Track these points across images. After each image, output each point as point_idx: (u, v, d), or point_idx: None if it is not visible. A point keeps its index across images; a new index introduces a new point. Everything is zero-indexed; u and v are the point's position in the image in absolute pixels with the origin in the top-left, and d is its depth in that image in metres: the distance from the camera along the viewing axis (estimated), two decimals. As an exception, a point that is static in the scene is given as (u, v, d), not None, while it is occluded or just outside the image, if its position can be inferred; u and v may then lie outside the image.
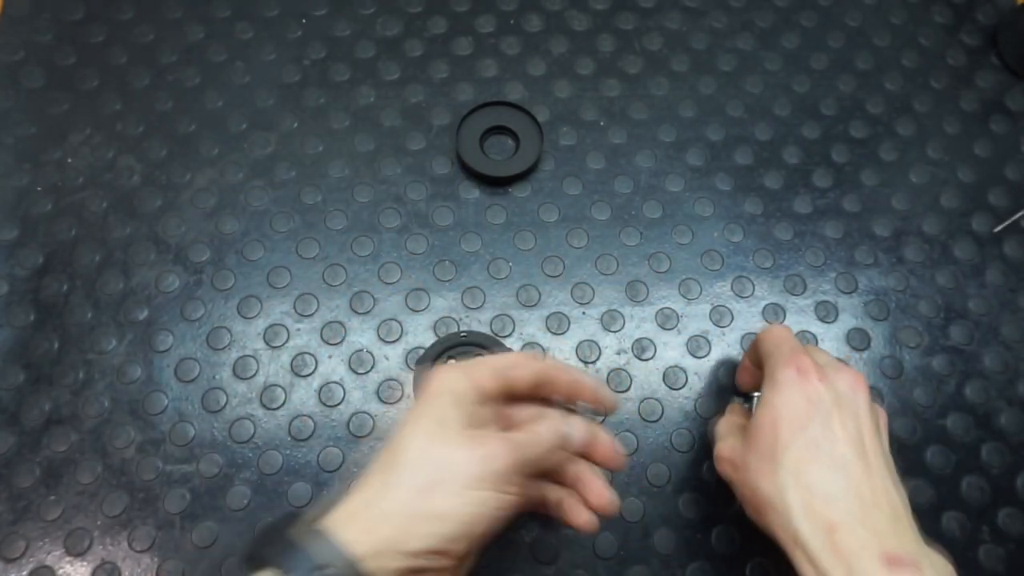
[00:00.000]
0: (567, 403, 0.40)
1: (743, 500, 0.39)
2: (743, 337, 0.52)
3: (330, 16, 0.61)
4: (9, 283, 0.51)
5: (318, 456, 0.48)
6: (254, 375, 0.50)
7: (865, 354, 0.52)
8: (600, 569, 0.46)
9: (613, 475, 0.48)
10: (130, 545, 0.45)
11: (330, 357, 0.50)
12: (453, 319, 0.52)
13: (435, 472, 0.33)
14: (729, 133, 0.58)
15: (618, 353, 0.51)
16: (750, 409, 0.44)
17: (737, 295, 0.53)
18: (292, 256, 0.53)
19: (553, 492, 0.38)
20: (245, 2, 0.61)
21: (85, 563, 0.45)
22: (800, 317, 0.53)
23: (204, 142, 0.56)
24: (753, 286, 0.54)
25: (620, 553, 0.47)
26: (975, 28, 0.63)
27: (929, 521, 0.48)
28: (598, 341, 0.52)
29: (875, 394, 0.51)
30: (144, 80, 0.58)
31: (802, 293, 0.54)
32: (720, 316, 0.53)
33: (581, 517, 0.38)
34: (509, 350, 0.51)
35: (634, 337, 0.52)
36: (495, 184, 0.56)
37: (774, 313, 0.53)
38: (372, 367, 0.50)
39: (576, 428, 0.37)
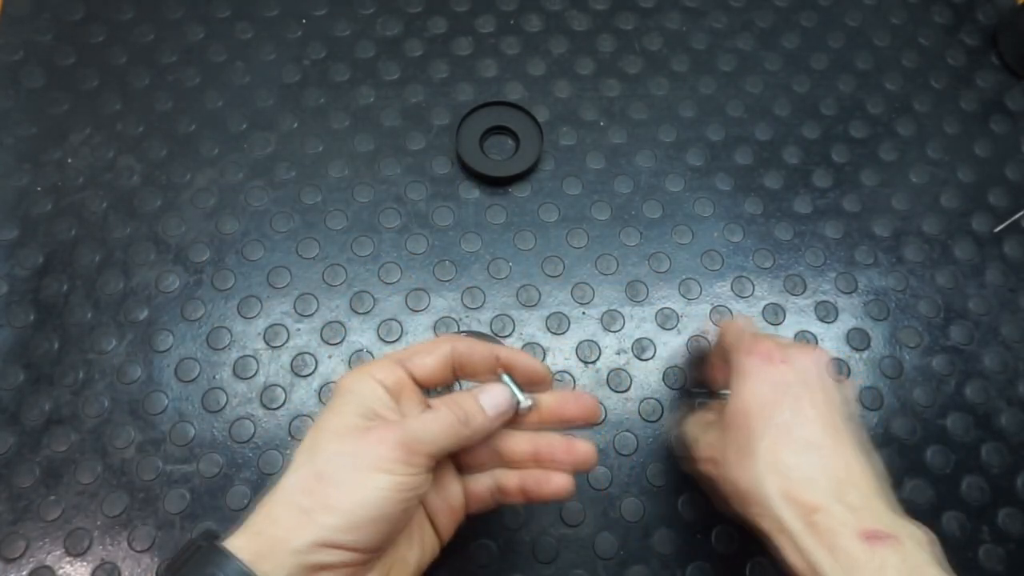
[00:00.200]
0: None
1: (726, 495, 0.39)
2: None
3: (330, 16, 0.61)
4: (9, 283, 0.51)
5: (318, 456, 0.48)
6: (254, 375, 0.50)
7: (865, 354, 0.52)
8: (600, 569, 0.46)
9: (613, 473, 0.48)
10: (130, 545, 0.45)
11: (330, 357, 0.50)
12: (453, 319, 0.52)
13: (321, 466, 0.33)
14: (729, 133, 0.58)
15: (618, 353, 0.51)
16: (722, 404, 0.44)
17: (737, 295, 0.53)
18: (292, 256, 0.53)
19: (507, 477, 0.38)
20: (245, 2, 0.61)
21: (85, 563, 0.45)
22: (800, 317, 0.53)
23: (204, 142, 0.56)
24: (753, 286, 0.54)
25: (620, 553, 0.47)
26: (975, 28, 0.63)
27: (929, 521, 0.48)
28: (598, 341, 0.52)
29: (875, 393, 0.51)
30: (144, 80, 0.58)
31: (802, 293, 0.54)
32: (720, 316, 0.53)
33: (550, 485, 0.37)
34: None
35: (634, 337, 0.52)
36: (495, 184, 0.56)
37: (774, 313, 0.53)
38: (372, 367, 0.50)
39: (490, 401, 0.36)
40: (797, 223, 0.56)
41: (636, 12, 0.62)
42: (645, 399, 0.50)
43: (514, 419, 0.38)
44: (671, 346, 0.52)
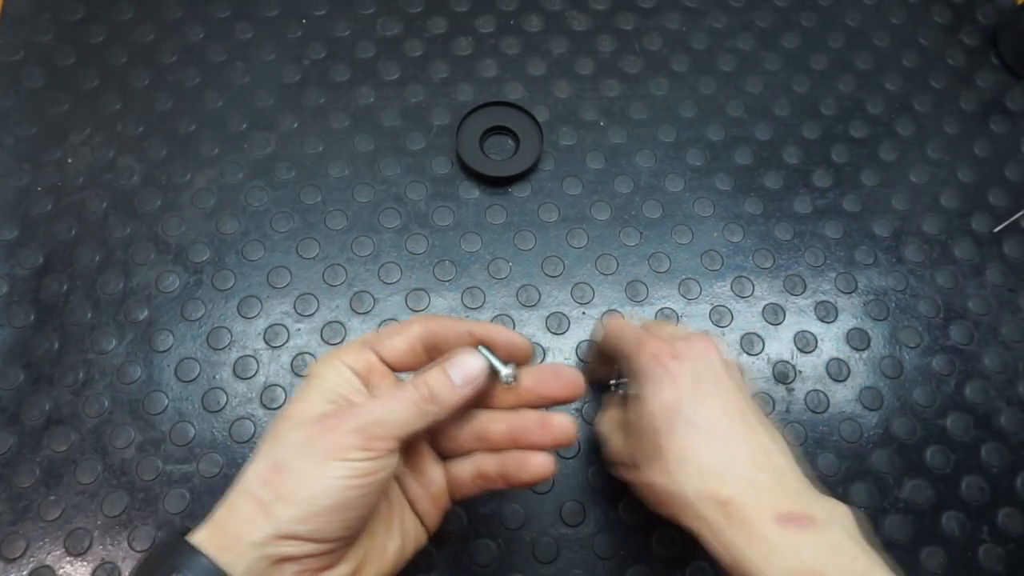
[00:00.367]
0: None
1: (644, 498, 0.38)
2: (743, 337, 0.52)
3: (330, 16, 0.61)
4: (9, 283, 0.51)
5: (318, 456, 0.48)
6: (254, 375, 0.50)
7: (865, 354, 0.52)
8: (600, 569, 0.46)
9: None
10: (130, 545, 0.45)
11: (330, 357, 0.50)
12: (453, 319, 0.52)
13: (278, 456, 0.32)
14: (729, 133, 0.58)
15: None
16: (623, 395, 0.43)
17: (737, 295, 0.53)
18: (292, 256, 0.53)
19: (487, 461, 0.37)
20: (245, 2, 0.61)
21: (85, 563, 0.45)
22: (800, 317, 0.53)
23: (204, 142, 0.56)
24: (753, 286, 0.54)
25: (620, 553, 0.47)
26: (975, 28, 0.63)
27: (929, 521, 0.48)
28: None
29: (874, 393, 0.51)
30: (144, 80, 0.58)
31: (802, 293, 0.54)
32: (720, 316, 0.53)
33: (531, 466, 0.36)
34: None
35: (634, 337, 0.52)
36: (495, 184, 0.56)
37: (774, 313, 0.53)
38: (372, 367, 0.50)
39: (458, 372, 0.35)
40: (797, 223, 0.56)
41: (636, 12, 0.62)
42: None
43: (492, 395, 0.37)
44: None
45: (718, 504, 0.34)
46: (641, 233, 0.55)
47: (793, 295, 0.54)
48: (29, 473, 0.47)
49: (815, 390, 0.51)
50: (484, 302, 0.52)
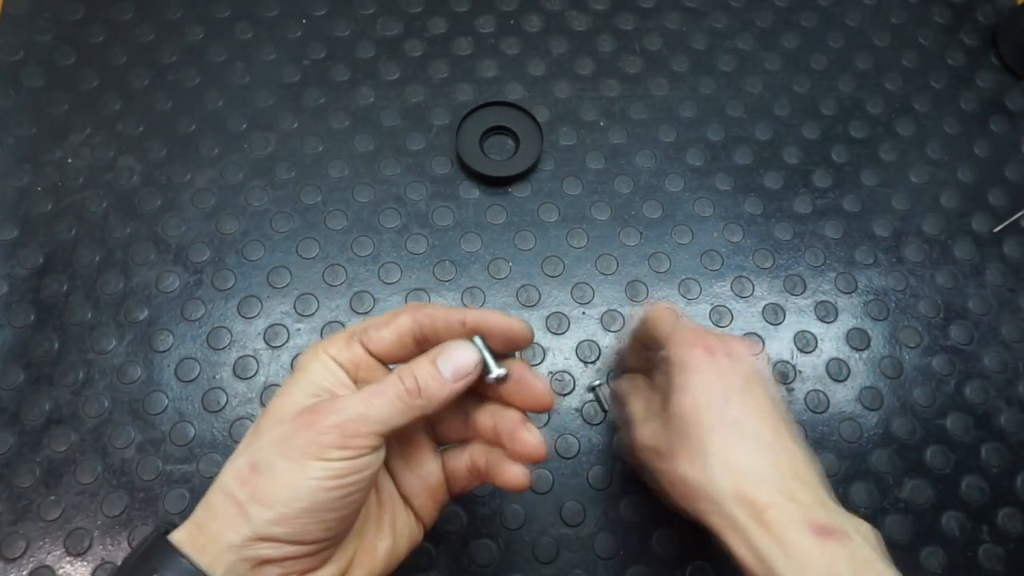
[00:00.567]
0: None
1: (668, 488, 0.38)
2: (743, 337, 0.52)
3: (330, 16, 0.61)
4: (9, 283, 0.51)
5: (318, 456, 0.48)
6: (254, 375, 0.50)
7: (865, 354, 0.52)
8: (600, 569, 0.46)
9: (613, 474, 0.48)
10: (130, 545, 0.45)
11: (330, 357, 0.50)
12: (453, 319, 0.52)
13: (256, 453, 0.31)
14: (729, 133, 0.58)
15: (618, 353, 0.51)
16: (656, 380, 0.42)
17: (737, 295, 0.53)
18: (292, 256, 0.53)
19: (478, 454, 0.36)
20: (245, 2, 0.61)
21: (85, 563, 0.45)
22: (800, 317, 0.53)
23: (204, 142, 0.56)
24: (753, 286, 0.54)
25: (620, 553, 0.47)
26: (975, 28, 0.63)
27: (929, 521, 0.48)
28: (598, 341, 0.52)
29: (875, 393, 0.51)
30: (144, 80, 0.58)
31: (802, 293, 0.54)
32: (720, 316, 0.53)
33: (506, 475, 0.34)
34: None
35: (634, 337, 0.52)
36: (495, 184, 0.56)
37: (774, 313, 0.53)
38: (372, 367, 0.50)
39: (448, 365, 0.33)
40: (797, 223, 0.56)
41: (636, 12, 0.62)
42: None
43: (483, 388, 0.35)
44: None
45: (752, 507, 0.34)
46: (641, 233, 0.55)
47: (793, 295, 0.54)
48: (29, 473, 0.47)
49: (815, 390, 0.51)
50: (484, 302, 0.52)
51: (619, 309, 0.53)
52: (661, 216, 0.55)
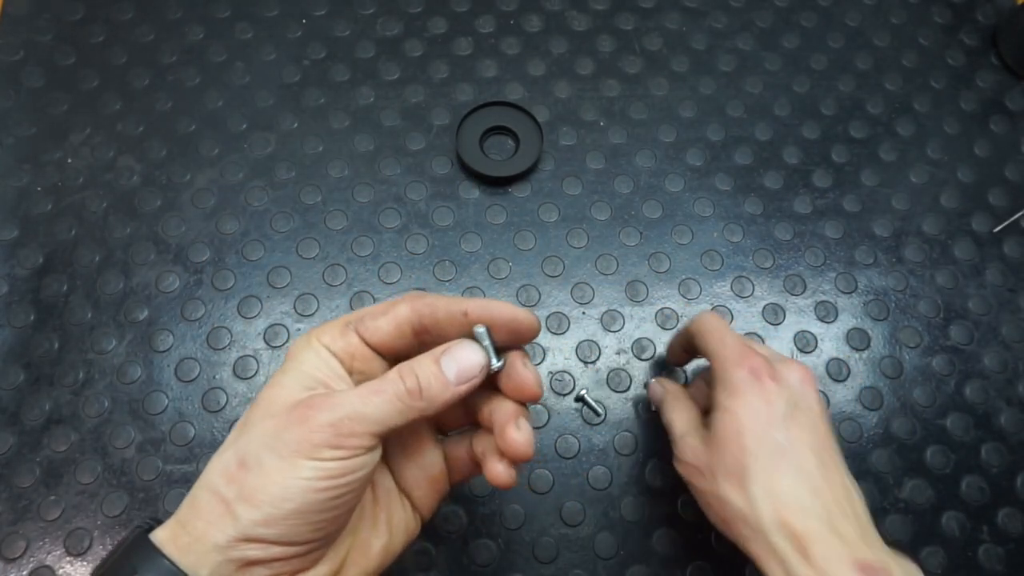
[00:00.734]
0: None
1: (707, 508, 0.37)
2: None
3: (330, 16, 0.61)
4: (9, 283, 0.51)
5: (318, 456, 0.48)
6: (254, 375, 0.50)
7: (865, 354, 0.52)
8: (600, 569, 0.46)
9: (613, 473, 0.48)
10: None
11: (330, 357, 0.50)
12: (453, 319, 0.52)
13: (244, 449, 0.29)
14: (729, 133, 0.58)
15: (618, 353, 0.52)
16: (702, 393, 0.43)
17: (737, 295, 0.53)
18: (292, 256, 0.53)
19: (480, 443, 0.34)
20: (245, 2, 0.61)
21: (85, 563, 0.45)
22: (800, 317, 0.53)
23: (204, 142, 0.56)
24: (753, 286, 0.54)
25: (620, 553, 0.47)
26: (975, 28, 0.63)
27: (929, 521, 0.48)
28: (598, 341, 0.52)
29: (875, 393, 0.51)
30: (144, 80, 0.58)
31: (802, 293, 0.54)
32: (720, 316, 0.53)
33: (490, 471, 0.33)
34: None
35: (634, 337, 0.52)
36: (495, 184, 0.56)
37: (774, 313, 0.53)
38: (372, 367, 0.50)
39: (453, 366, 0.31)
40: (797, 223, 0.56)
41: (636, 12, 0.62)
42: (645, 399, 0.50)
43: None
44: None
45: (795, 539, 0.33)
46: (641, 233, 0.55)
47: (793, 295, 0.54)
48: (29, 473, 0.47)
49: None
50: (484, 302, 0.52)
51: (619, 309, 0.53)
52: (661, 216, 0.55)
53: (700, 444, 0.38)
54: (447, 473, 0.36)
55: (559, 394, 0.50)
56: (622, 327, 0.52)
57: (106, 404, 0.48)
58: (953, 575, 0.47)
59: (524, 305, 0.52)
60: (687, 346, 0.44)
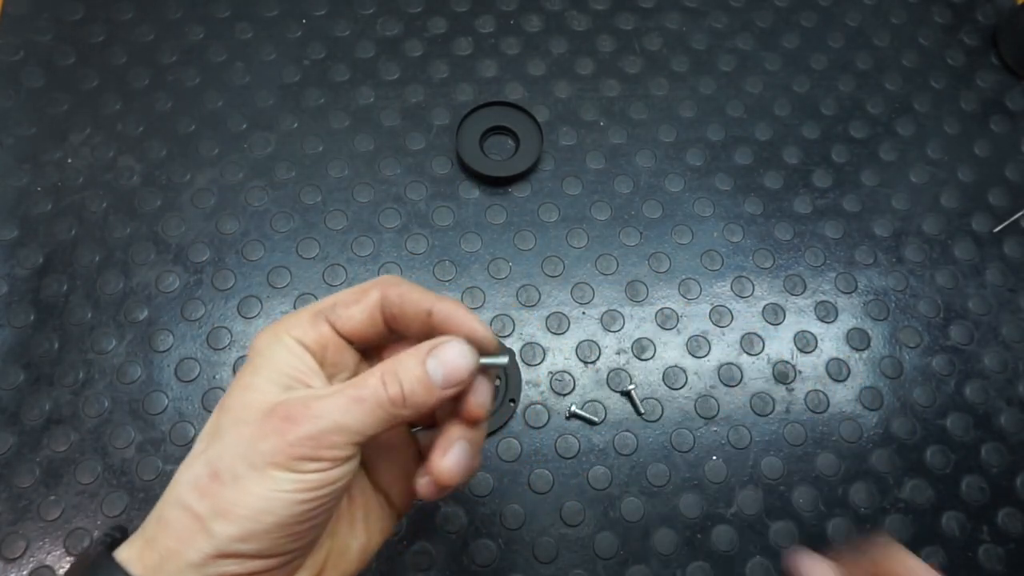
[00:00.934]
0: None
1: None
2: (743, 337, 0.52)
3: (330, 16, 0.61)
4: (9, 283, 0.51)
5: (318, 456, 0.48)
6: (254, 375, 0.50)
7: (865, 354, 0.52)
8: (600, 569, 0.46)
9: (613, 473, 0.48)
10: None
11: (330, 357, 0.50)
12: (453, 319, 0.52)
13: (216, 459, 0.27)
14: (729, 133, 0.58)
15: (618, 353, 0.52)
16: None
17: (737, 295, 0.53)
18: (292, 256, 0.53)
19: (447, 432, 0.32)
20: (245, 2, 0.61)
21: (85, 563, 0.45)
22: (800, 317, 0.53)
23: (204, 142, 0.56)
24: (753, 286, 0.54)
25: (620, 553, 0.47)
26: (975, 28, 0.63)
27: (929, 521, 0.48)
28: (598, 341, 0.52)
29: (875, 393, 0.51)
30: (144, 80, 0.58)
31: (802, 293, 0.54)
32: (720, 316, 0.53)
33: (417, 481, 0.31)
34: (510, 350, 0.51)
35: (634, 337, 0.52)
36: (495, 184, 0.56)
37: (774, 313, 0.53)
38: (372, 367, 0.50)
39: (440, 369, 0.29)
40: (797, 223, 0.56)
41: (636, 12, 0.62)
42: (645, 399, 0.50)
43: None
44: (671, 346, 0.52)
45: None
46: (641, 233, 0.55)
47: (793, 295, 0.54)
48: (29, 473, 0.47)
49: (815, 390, 0.51)
50: (484, 302, 0.52)
51: (619, 309, 0.53)
52: (661, 216, 0.55)
53: None
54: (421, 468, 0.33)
55: (559, 394, 0.50)
56: (622, 327, 0.52)
57: (106, 404, 0.48)
58: (953, 575, 0.47)
59: (524, 305, 0.52)
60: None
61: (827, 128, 0.59)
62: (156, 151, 0.56)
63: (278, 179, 0.55)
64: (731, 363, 0.51)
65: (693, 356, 0.52)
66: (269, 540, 0.27)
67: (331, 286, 0.52)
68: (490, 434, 0.49)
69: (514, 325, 0.52)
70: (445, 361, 0.29)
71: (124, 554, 0.28)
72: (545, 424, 0.49)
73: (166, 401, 0.49)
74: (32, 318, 0.50)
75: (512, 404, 0.49)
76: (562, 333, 0.52)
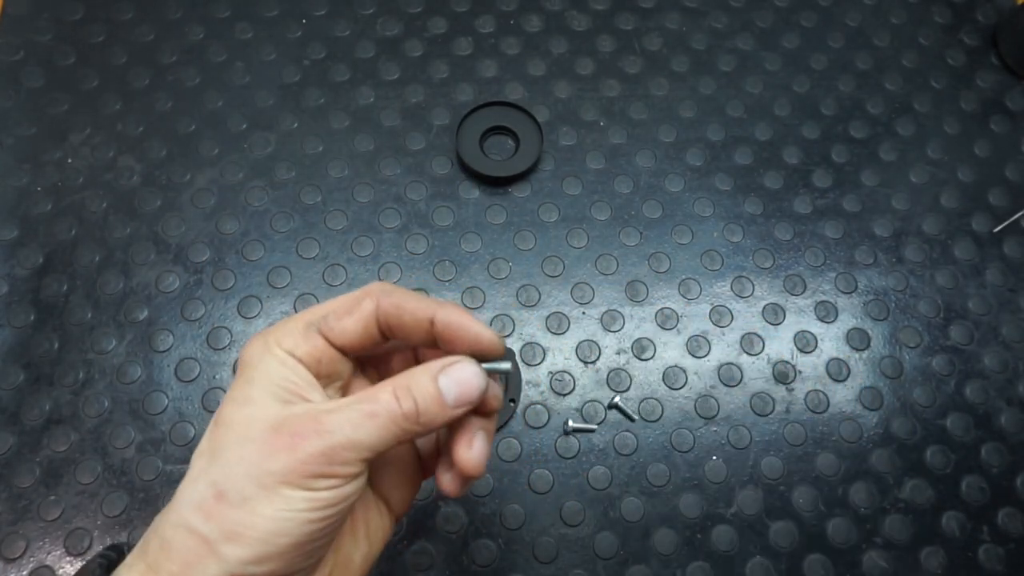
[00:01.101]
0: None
1: None
2: (743, 337, 0.52)
3: (330, 16, 0.61)
4: (9, 283, 0.51)
5: (318, 456, 0.48)
6: (254, 375, 0.50)
7: (865, 354, 0.52)
8: (600, 569, 0.46)
9: (613, 473, 0.48)
10: (130, 545, 0.45)
11: (330, 357, 0.50)
12: (453, 319, 0.52)
13: (221, 479, 0.26)
14: (729, 133, 0.58)
15: (618, 353, 0.52)
16: None
17: (737, 295, 0.53)
18: (292, 256, 0.53)
19: (444, 438, 0.33)
20: (245, 2, 0.61)
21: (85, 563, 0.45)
22: (800, 317, 0.53)
23: (204, 142, 0.56)
24: (753, 286, 0.54)
25: (620, 553, 0.47)
26: (975, 28, 0.63)
27: (929, 521, 0.48)
28: (598, 341, 0.52)
29: (875, 393, 0.51)
30: (144, 80, 0.58)
31: (802, 293, 0.54)
32: (720, 316, 0.53)
33: (439, 480, 0.31)
34: (510, 350, 0.51)
35: (634, 337, 0.52)
36: (495, 184, 0.56)
37: (774, 313, 0.53)
38: (372, 367, 0.50)
39: (454, 388, 0.28)
40: (797, 223, 0.56)
41: (636, 12, 0.62)
42: (645, 399, 0.50)
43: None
44: (671, 346, 0.52)
45: None
46: (641, 233, 0.55)
47: (793, 295, 0.54)
48: (29, 473, 0.47)
49: (815, 390, 0.51)
50: (484, 302, 0.52)
51: (619, 309, 0.53)
52: (661, 216, 0.55)
53: None
54: (420, 469, 0.34)
55: (559, 394, 0.50)
56: (622, 327, 0.52)
57: (106, 404, 0.48)
58: (953, 575, 0.47)
59: (524, 305, 0.52)
60: None
61: (827, 128, 0.59)
62: (156, 151, 0.56)
63: (278, 179, 0.55)
64: (731, 363, 0.51)
65: (693, 356, 0.52)
66: (283, 561, 0.26)
67: (331, 286, 0.52)
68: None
69: (514, 325, 0.52)
70: (459, 380, 0.29)
71: None
72: (545, 424, 0.49)
73: (166, 401, 0.49)
74: (32, 318, 0.50)
75: (512, 404, 0.49)
76: (562, 333, 0.52)
